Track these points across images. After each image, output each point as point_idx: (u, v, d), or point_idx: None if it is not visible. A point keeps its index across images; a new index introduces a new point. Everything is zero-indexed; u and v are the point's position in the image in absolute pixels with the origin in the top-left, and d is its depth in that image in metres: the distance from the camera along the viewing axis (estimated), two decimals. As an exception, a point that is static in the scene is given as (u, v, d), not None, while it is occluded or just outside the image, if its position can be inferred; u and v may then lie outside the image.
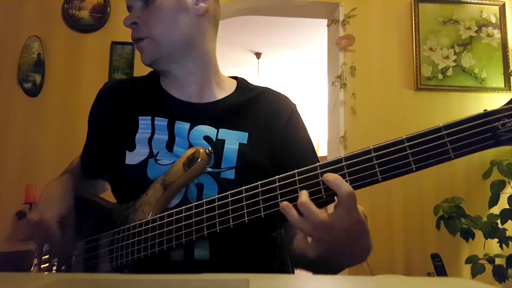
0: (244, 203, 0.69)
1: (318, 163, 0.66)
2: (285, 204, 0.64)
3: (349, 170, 0.63)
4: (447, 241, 2.50)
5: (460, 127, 0.58)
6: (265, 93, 0.96)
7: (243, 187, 0.70)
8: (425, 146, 0.59)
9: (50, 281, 0.45)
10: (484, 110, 0.58)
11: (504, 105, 0.57)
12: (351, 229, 0.64)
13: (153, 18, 0.86)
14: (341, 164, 0.64)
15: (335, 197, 0.64)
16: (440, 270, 2.18)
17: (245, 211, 0.69)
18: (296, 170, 0.67)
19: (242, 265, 0.83)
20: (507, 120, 0.56)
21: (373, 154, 0.62)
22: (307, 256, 0.74)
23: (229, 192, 0.71)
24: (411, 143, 0.60)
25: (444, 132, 0.58)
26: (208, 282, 0.43)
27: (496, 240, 2.38)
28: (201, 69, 0.91)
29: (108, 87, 0.98)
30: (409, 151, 0.60)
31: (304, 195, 0.63)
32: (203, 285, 0.43)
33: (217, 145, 0.84)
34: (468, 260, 2.39)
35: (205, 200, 0.73)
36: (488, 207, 2.43)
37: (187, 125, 0.86)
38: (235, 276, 0.42)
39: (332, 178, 0.62)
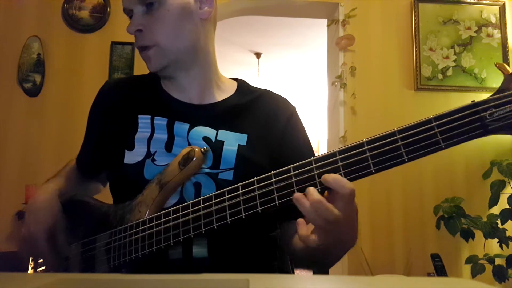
0: (241, 198, 0.70)
1: (312, 158, 0.67)
2: (298, 195, 0.64)
3: (343, 163, 0.64)
4: (447, 241, 2.50)
5: (450, 117, 0.60)
6: (265, 95, 0.96)
7: (239, 184, 0.71)
8: (416, 137, 0.61)
9: (50, 281, 0.45)
10: (472, 101, 0.60)
11: (491, 95, 0.59)
12: (350, 218, 0.65)
13: (158, 25, 0.83)
14: (336, 157, 0.65)
15: (327, 191, 0.65)
16: (440, 270, 2.18)
17: (242, 207, 0.69)
18: (291, 165, 0.67)
19: (242, 264, 0.83)
20: (494, 110, 0.58)
21: (366, 147, 0.63)
22: (307, 248, 0.74)
23: (226, 189, 0.71)
24: (403, 135, 0.62)
25: (434, 123, 0.61)
26: (208, 282, 0.43)
27: (496, 240, 2.38)
28: (204, 72, 0.91)
29: (108, 85, 0.97)
30: (400, 143, 0.62)
31: (315, 193, 0.63)
32: (202, 285, 0.43)
33: (216, 146, 0.84)
34: (468, 260, 2.39)
35: (202, 197, 0.73)
36: (488, 207, 2.42)
37: (186, 126, 0.86)
38: (235, 276, 0.42)
39: (332, 178, 0.62)
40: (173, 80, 0.90)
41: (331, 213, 0.62)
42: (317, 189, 0.64)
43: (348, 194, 0.62)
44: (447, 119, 0.60)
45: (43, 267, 0.88)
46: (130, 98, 0.92)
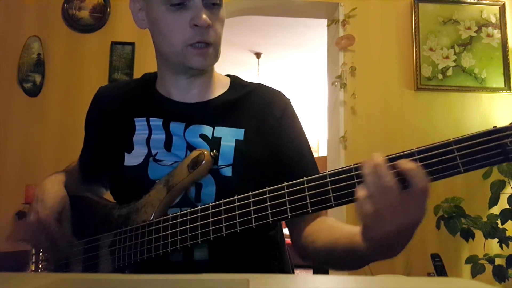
0: (252, 208, 0.69)
1: (327, 171, 0.66)
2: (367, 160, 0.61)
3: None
4: (447, 241, 2.50)
5: (470, 142, 0.59)
6: (259, 89, 0.96)
7: (251, 193, 0.70)
8: (434, 160, 0.60)
9: (50, 281, 0.45)
10: (493, 127, 0.59)
11: None
12: (410, 223, 0.64)
13: (220, 25, 0.85)
14: (352, 173, 0.63)
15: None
16: (440, 270, 2.18)
17: (253, 216, 0.69)
18: (305, 178, 0.67)
19: (242, 265, 0.83)
20: None
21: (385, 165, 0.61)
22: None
23: (236, 197, 0.71)
24: (422, 156, 0.61)
25: (454, 146, 0.60)
26: (208, 282, 0.43)
27: (496, 240, 2.38)
28: (207, 72, 0.91)
29: (102, 91, 0.98)
30: (420, 164, 0.60)
31: (379, 157, 0.60)
32: (203, 285, 0.43)
33: (214, 143, 0.84)
34: (468, 260, 2.39)
35: (211, 204, 0.73)
36: (488, 207, 2.42)
37: (182, 125, 0.86)
38: (235, 276, 0.42)
39: (416, 166, 0.59)
40: (185, 78, 0.89)
41: (392, 186, 0.58)
42: (331, 204, 0.64)
43: (421, 190, 0.59)
44: (467, 143, 0.59)
45: (45, 263, 0.88)
46: (124, 101, 0.93)
